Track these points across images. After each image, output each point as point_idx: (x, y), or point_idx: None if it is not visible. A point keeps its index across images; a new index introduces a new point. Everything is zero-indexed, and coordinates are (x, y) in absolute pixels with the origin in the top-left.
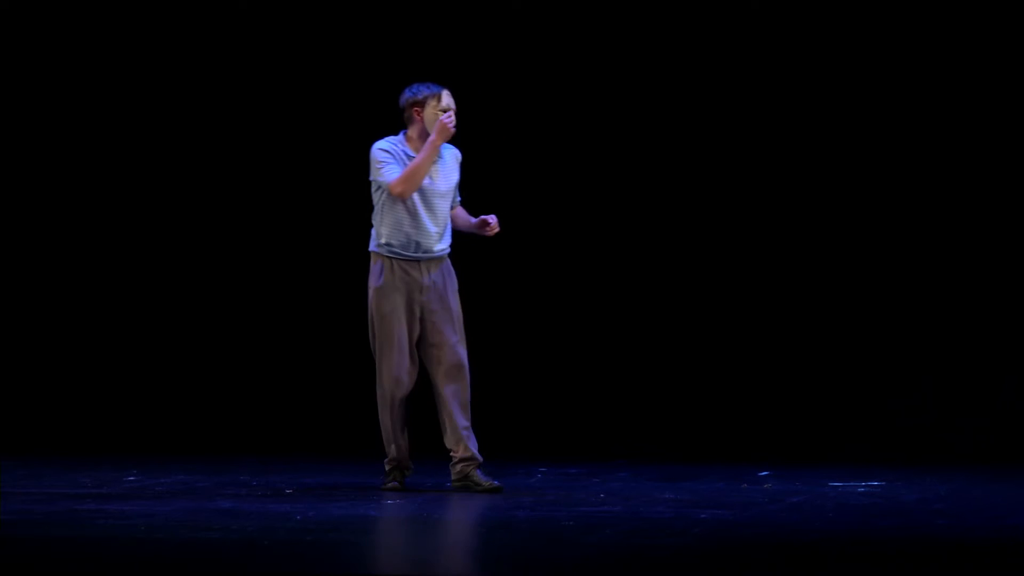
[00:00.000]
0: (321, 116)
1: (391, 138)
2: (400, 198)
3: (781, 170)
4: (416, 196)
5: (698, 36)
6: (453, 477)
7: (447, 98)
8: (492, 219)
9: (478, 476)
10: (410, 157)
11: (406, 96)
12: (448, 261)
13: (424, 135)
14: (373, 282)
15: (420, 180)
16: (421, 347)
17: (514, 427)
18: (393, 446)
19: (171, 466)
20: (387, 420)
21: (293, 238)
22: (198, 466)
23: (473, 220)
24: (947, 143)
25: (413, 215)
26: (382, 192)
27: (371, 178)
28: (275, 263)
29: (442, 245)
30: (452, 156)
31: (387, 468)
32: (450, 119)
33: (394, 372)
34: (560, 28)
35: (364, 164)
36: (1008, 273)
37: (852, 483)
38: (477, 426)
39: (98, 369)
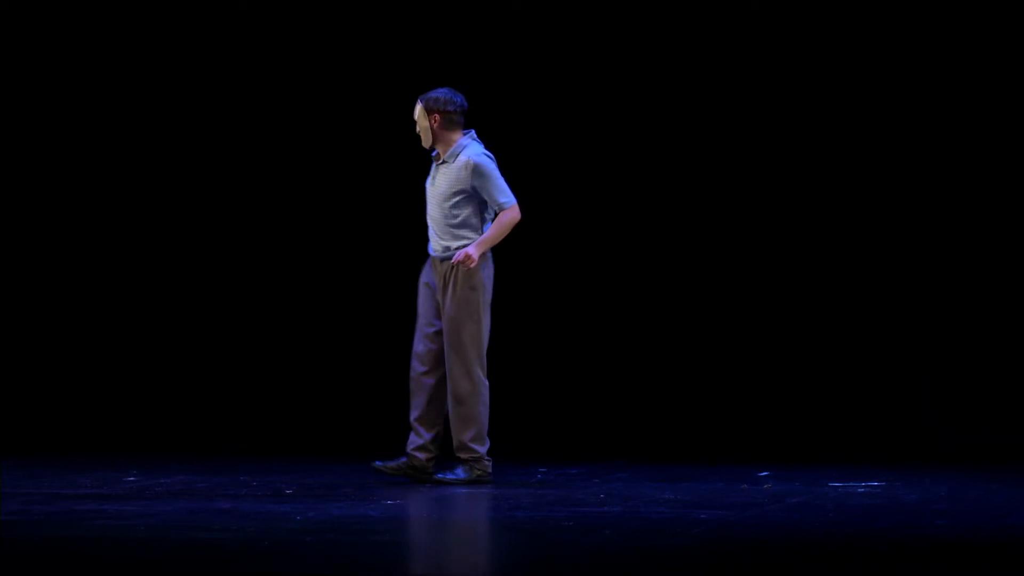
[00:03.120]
0: (329, 115)
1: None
2: None
3: (780, 171)
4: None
5: (700, 37)
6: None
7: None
8: (458, 255)
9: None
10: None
11: None
12: (457, 266)
13: None
14: None
15: None
16: None
17: (514, 427)
18: (411, 431)
19: (171, 466)
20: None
21: (293, 238)
22: (198, 466)
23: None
24: (947, 144)
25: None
26: None
27: None
28: (275, 263)
29: (443, 247)
30: (459, 164)
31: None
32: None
33: (413, 348)
34: (567, 29)
35: (365, 163)
36: (1008, 274)
37: (852, 483)
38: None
39: (98, 369)
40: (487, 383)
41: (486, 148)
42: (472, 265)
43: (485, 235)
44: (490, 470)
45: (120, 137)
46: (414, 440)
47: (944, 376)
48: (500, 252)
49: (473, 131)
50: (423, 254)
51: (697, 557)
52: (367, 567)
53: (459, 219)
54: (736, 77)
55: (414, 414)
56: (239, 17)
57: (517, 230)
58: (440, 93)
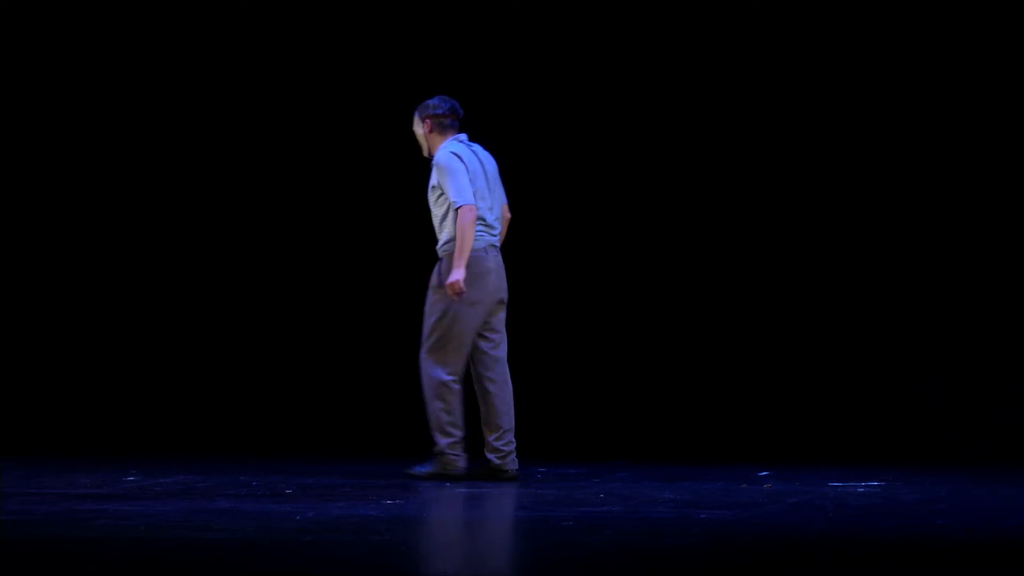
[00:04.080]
0: (328, 115)
1: None
2: None
3: (781, 171)
4: None
5: (699, 36)
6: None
7: None
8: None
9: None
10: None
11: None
12: (441, 259)
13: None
14: None
15: None
16: None
17: (515, 427)
18: None
19: (171, 466)
20: None
21: (294, 239)
22: (198, 466)
23: None
24: (948, 145)
25: None
26: None
27: None
28: (277, 263)
29: (439, 242)
30: (434, 162)
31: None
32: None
33: None
34: (567, 29)
35: (365, 164)
36: (1010, 274)
37: (852, 483)
38: (480, 425)
39: (98, 369)
40: (451, 380)
41: (482, 149)
42: (460, 291)
43: (456, 250)
44: (460, 464)
45: (121, 137)
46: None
47: (946, 376)
48: (506, 252)
49: (465, 135)
50: (424, 254)
51: (697, 557)
52: (367, 567)
53: (441, 214)
54: (736, 76)
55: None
56: (239, 19)
57: (520, 230)
58: (431, 100)
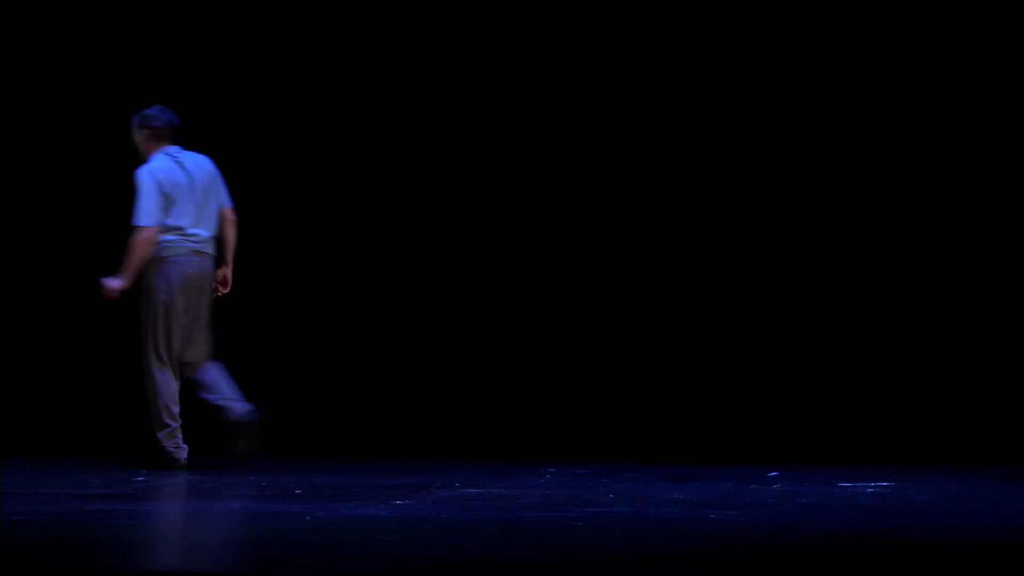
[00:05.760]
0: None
1: None
2: None
3: (789, 172)
4: None
5: (693, 33)
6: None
7: None
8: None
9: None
10: None
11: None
12: (148, 267)
13: None
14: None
15: None
16: None
17: (523, 428)
18: None
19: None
20: None
21: (287, 234)
22: (207, 466)
23: None
24: (950, 149)
25: None
26: None
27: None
28: (282, 263)
29: None
30: None
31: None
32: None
33: None
34: (543, 23)
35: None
36: (1018, 274)
37: (862, 484)
38: (488, 425)
39: (106, 369)
40: (157, 377)
41: (197, 157)
42: (109, 293)
43: (126, 262)
44: (175, 456)
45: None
46: None
47: (954, 375)
48: (506, 250)
49: (176, 147)
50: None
51: (707, 557)
52: (377, 568)
53: None
54: (736, 72)
55: None
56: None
57: (524, 228)
58: (149, 110)
